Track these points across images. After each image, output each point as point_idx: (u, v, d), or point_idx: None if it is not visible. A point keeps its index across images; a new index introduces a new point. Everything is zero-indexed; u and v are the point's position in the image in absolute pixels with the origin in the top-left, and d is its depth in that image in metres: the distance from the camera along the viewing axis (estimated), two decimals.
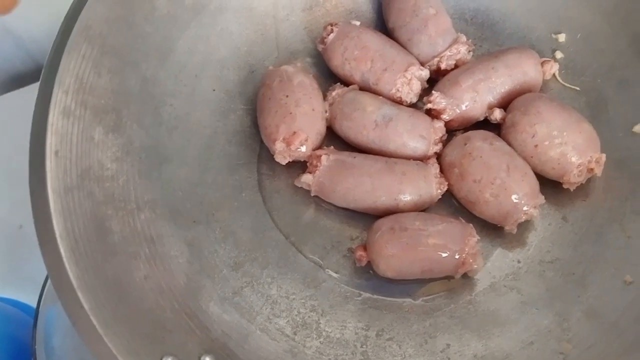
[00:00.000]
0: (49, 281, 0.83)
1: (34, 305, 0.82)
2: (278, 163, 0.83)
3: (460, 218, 0.76)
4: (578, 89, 0.86)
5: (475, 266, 0.73)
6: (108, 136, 0.75)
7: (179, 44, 0.85)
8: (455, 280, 0.76)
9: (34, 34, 1.17)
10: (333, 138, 0.85)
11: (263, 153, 0.85)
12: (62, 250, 0.63)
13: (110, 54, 0.77)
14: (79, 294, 0.61)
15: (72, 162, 0.70)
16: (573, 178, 0.76)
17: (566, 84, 0.86)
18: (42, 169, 0.67)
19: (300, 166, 0.83)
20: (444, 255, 0.72)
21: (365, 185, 0.77)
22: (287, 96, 0.81)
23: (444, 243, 0.72)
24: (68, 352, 0.80)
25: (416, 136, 0.80)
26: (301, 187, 0.82)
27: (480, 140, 0.77)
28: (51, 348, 0.80)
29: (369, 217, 0.79)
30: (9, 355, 0.83)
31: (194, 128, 0.84)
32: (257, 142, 0.86)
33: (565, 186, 0.78)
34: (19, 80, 1.19)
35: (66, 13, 0.76)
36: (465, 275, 0.75)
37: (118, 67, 0.78)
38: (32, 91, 1.12)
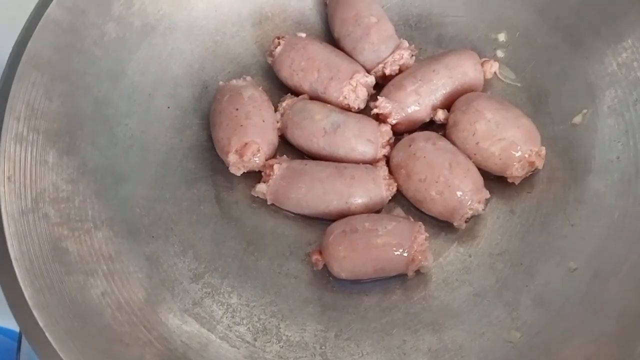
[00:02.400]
0: None
1: (17, 329, 0.82)
2: (235, 175, 0.85)
3: (409, 217, 0.79)
4: (520, 85, 0.89)
5: (426, 263, 0.76)
6: (62, 159, 0.77)
7: (130, 66, 0.87)
8: (410, 278, 0.78)
9: None
10: (286, 147, 0.88)
11: (219, 166, 0.87)
12: (17, 272, 0.65)
13: (61, 79, 0.80)
14: (34, 313, 0.62)
15: (26, 186, 0.72)
16: (515, 172, 0.79)
17: (508, 81, 0.89)
18: None
19: (256, 176, 0.85)
20: (393, 253, 0.75)
21: (317, 190, 0.80)
22: (237, 109, 0.83)
23: (392, 241, 0.75)
24: None
25: (364, 140, 0.82)
26: (258, 197, 0.84)
27: (423, 141, 0.80)
28: None
29: (325, 222, 0.81)
30: None
31: (149, 146, 0.86)
32: (213, 156, 0.88)
33: (510, 180, 0.81)
34: None
35: (14, 42, 0.78)
36: (418, 272, 0.78)
37: (69, 92, 0.81)
38: None
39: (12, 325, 0.91)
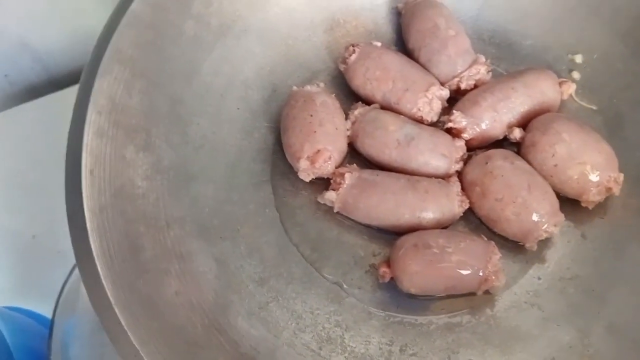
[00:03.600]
0: (64, 292, 0.84)
1: (49, 315, 0.83)
2: (300, 180, 0.85)
3: (482, 235, 0.78)
4: (595, 108, 0.88)
5: (498, 283, 0.75)
6: (139, 155, 0.78)
7: (204, 66, 0.88)
8: (477, 297, 0.77)
9: (51, 48, 1.20)
10: (354, 156, 0.87)
11: (286, 170, 0.87)
12: (99, 269, 0.65)
13: (140, 76, 0.80)
14: (117, 311, 0.63)
15: (106, 181, 0.73)
16: (592, 197, 0.78)
17: (583, 104, 0.88)
18: (79, 189, 0.69)
19: (322, 183, 0.85)
20: (467, 272, 0.74)
21: (389, 202, 0.79)
22: (311, 115, 0.83)
23: (467, 260, 0.74)
24: None
25: (438, 155, 0.82)
26: (323, 204, 0.84)
27: (501, 159, 0.79)
28: (67, 359, 0.81)
29: (391, 234, 0.81)
30: None
31: (219, 146, 0.87)
32: (280, 160, 0.88)
33: (583, 204, 0.80)
34: (32, 92, 1.22)
35: (98, 37, 0.78)
36: (487, 292, 0.77)
37: (147, 89, 0.81)
38: (45, 103, 1.16)
39: (44, 311, 0.92)
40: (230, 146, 0.88)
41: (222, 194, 0.84)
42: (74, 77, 1.09)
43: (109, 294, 0.63)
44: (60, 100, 1.15)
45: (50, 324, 0.82)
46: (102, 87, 0.75)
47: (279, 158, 0.88)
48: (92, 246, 0.66)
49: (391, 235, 0.81)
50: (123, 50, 0.79)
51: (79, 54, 1.19)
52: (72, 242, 0.66)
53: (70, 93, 1.10)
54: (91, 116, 0.74)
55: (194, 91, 0.86)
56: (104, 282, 0.64)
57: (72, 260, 0.83)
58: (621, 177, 0.78)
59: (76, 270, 0.85)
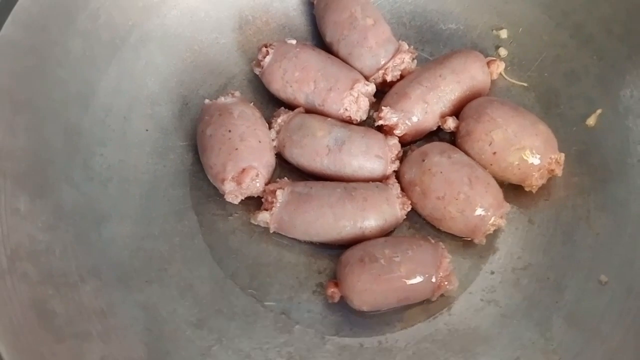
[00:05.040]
0: None
1: None
2: (228, 202, 0.77)
3: (428, 237, 0.73)
4: (526, 84, 0.84)
5: (451, 287, 0.71)
6: (35, 203, 0.68)
7: (100, 86, 0.78)
8: (433, 303, 0.73)
9: None
10: (284, 166, 0.80)
11: (210, 192, 0.79)
12: (4, 351, 0.55)
13: (24, 110, 0.69)
14: None
15: None
16: (535, 181, 0.75)
17: (514, 81, 0.84)
18: None
19: (253, 201, 0.78)
20: (418, 281, 0.69)
21: (327, 216, 0.73)
22: (229, 131, 0.75)
23: (417, 268, 0.69)
24: None
25: (372, 157, 0.76)
26: (258, 225, 0.76)
27: (438, 155, 0.74)
28: None
29: (334, 248, 0.75)
30: None
31: (130, 176, 0.77)
32: (203, 181, 0.80)
33: (527, 189, 0.76)
34: None
35: None
36: (441, 296, 0.73)
37: (35, 124, 0.70)
38: None
39: None
40: (142, 174, 0.78)
41: (141, 230, 0.75)
42: None
43: None
44: None
45: None
46: None
47: (201, 179, 0.80)
48: None
49: (335, 249, 0.75)
50: None
51: None
52: None
53: None
54: None
55: (92, 117, 0.76)
56: None
57: None
58: (562, 157, 0.75)
59: None
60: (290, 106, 0.81)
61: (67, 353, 0.61)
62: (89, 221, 0.72)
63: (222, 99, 0.78)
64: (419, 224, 0.78)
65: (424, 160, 0.74)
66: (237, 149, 0.74)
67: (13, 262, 0.62)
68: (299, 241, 0.77)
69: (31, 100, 0.71)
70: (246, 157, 0.74)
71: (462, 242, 0.76)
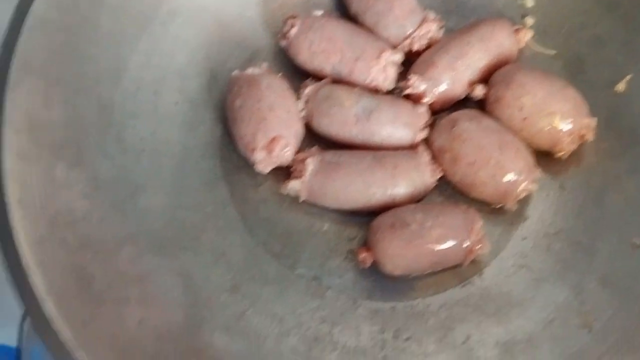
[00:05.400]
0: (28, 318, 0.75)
1: (13, 344, 0.74)
2: (258, 172, 0.77)
3: (459, 203, 0.73)
4: (553, 53, 0.84)
5: (483, 251, 0.71)
6: (71, 173, 0.69)
7: (131, 61, 0.79)
8: (464, 269, 0.73)
9: None
10: (313, 136, 0.80)
11: (240, 163, 0.80)
12: (47, 312, 0.56)
13: (58, 84, 0.71)
14: (77, 356, 0.54)
15: (38, 210, 0.63)
16: (565, 147, 0.75)
17: (541, 50, 0.84)
18: (7, 223, 0.60)
19: (282, 171, 0.78)
20: (450, 245, 0.70)
21: (357, 183, 0.74)
22: (258, 101, 0.76)
23: (449, 233, 0.70)
24: None
25: (401, 125, 0.76)
26: (288, 194, 0.77)
27: (467, 121, 0.74)
28: None
29: (364, 215, 0.75)
30: None
31: (162, 148, 0.78)
32: (232, 152, 0.80)
33: (557, 155, 0.76)
34: None
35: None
36: (473, 262, 0.73)
37: (68, 97, 0.72)
38: None
39: (8, 341, 0.83)
40: (173, 146, 0.79)
41: (174, 201, 0.76)
42: None
43: (64, 339, 0.55)
44: None
45: (16, 353, 0.73)
46: (16, 104, 0.65)
47: (231, 151, 0.80)
48: (35, 287, 0.57)
49: (365, 216, 0.75)
50: (33, 59, 0.68)
51: None
52: (13, 284, 0.57)
53: None
54: (9, 137, 0.64)
55: (124, 91, 0.77)
56: (55, 326, 0.56)
57: None
58: (593, 121, 0.75)
59: None
60: (317, 77, 0.81)
61: (107, 316, 0.62)
62: (124, 191, 0.73)
63: (250, 70, 0.79)
64: (449, 191, 0.78)
65: (453, 127, 0.75)
66: (266, 118, 0.75)
67: (52, 229, 0.63)
68: (329, 210, 0.77)
69: (64, 75, 0.72)
70: (275, 127, 0.75)
71: (492, 210, 0.76)
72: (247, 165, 0.79)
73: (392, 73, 0.80)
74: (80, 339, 0.56)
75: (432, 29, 0.81)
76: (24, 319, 0.74)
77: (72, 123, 0.70)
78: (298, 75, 0.84)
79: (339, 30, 0.80)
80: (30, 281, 0.58)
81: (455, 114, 0.76)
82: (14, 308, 0.73)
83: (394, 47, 0.81)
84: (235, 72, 0.80)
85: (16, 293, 0.58)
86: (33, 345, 0.74)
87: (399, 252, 0.70)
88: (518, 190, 0.73)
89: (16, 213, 0.61)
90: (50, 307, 0.57)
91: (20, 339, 0.73)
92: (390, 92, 0.82)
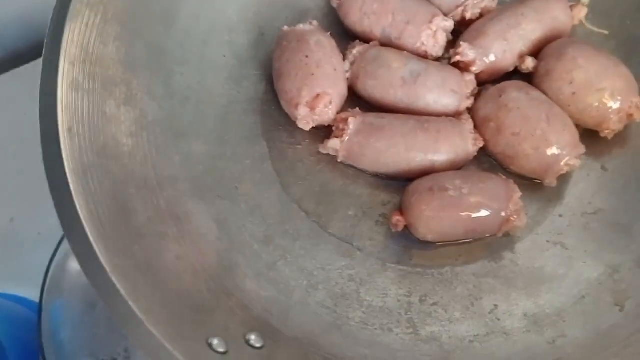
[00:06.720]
0: (50, 273, 0.78)
1: (36, 299, 0.77)
2: (299, 130, 0.78)
3: (500, 174, 0.73)
4: (607, 32, 0.82)
5: (519, 223, 0.71)
6: (120, 110, 0.70)
7: (183, 9, 0.80)
8: (496, 242, 0.73)
9: (5, 20, 1.09)
10: (354, 100, 0.81)
11: (281, 121, 0.80)
12: (90, 236, 0.58)
13: (114, 21, 0.71)
14: (114, 280, 0.56)
15: (87, 140, 0.65)
16: (613, 125, 0.73)
17: (594, 29, 0.82)
18: (57, 149, 0.61)
19: (321, 132, 0.79)
20: (488, 213, 0.69)
21: (398, 146, 0.73)
22: (306, 57, 0.76)
23: (487, 201, 0.69)
24: (79, 345, 0.76)
25: (447, 91, 0.76)
26: (325, 154, 0.78)
27: (516, 91, 0.73)
28: (60, 342, 0.76)
29: (400, 181, 0.75)
30: (17, 354, 0.79)
31: (206, 98, 0.79)
32: (274, 110, 0.81)
33: (602, 134, 0.75)
34: None
35: None
36: (506, 234, 0.72)
37: (122, 36, 0.72)
38: (6, 80, 1.06)
39: (30, 295, 0.87)
40: (218, 97, 0.80)
41: (215, 150, 0.77)
42: (34, 52, 1.00)
43: (103, 262, 0.56)
44: (22, 76, 1.05)
45: (38, 308, 0.76)
46: (73, 35, 0.67)
47: (273, 108, 0.81)
48: (79, 211, 0.59)
49: (400, 182, 0.75)
50: None
51: (38, 25, 1.08)
52: (56, 209, 0.59)
53: (32, 69, 1.02)
54: (64, 67, 0.65)
55: (174, 38, 0.78)
56: (96, 249, 0.57)
57: (54, 242, 0.78)
58: None
59: (61, 249, 0.78)
60: (366, 40, 0.81)
61: (146, 248, 0.63)
62: (168, 135, 0.74)
63: (300, 26, 0.79)
64: (487, 165, 0.78)
65: (501, 96, 0.74)
66: (313, 74, 0.75)
67: (99, 158, 0.65)
68: (365, 173, 0.77)
69: (119, 14, 0.73)
70: (321, 83, 0.75)
71: (530, 185, 0.76)
72: (287, 123, 0.79)
73: (442, 39, 0.79)
74: (117, 265, 0.58)
75: None
76: (46, 275, 0.77)
77: (124, 62, 0.71)
78: (347, 37, 0.84)
79: None
80: (75, 206, 0.59)
81: (504, 83, 0.76)
82: (38, 267, 0.77)
83: (446, 14, 0.81)
84: (285, 28, 0.80)
85: (59, 216, 0.59)
86: (53, 300, 0.77)
87: (435, 215, 0.70)
88: (561, 164, 0.72)
89: (65, 140, 0.62)
90: (91, 231, 0.58)
91: (42, 295, 0.76)
92: (437, 60, 0.81)
